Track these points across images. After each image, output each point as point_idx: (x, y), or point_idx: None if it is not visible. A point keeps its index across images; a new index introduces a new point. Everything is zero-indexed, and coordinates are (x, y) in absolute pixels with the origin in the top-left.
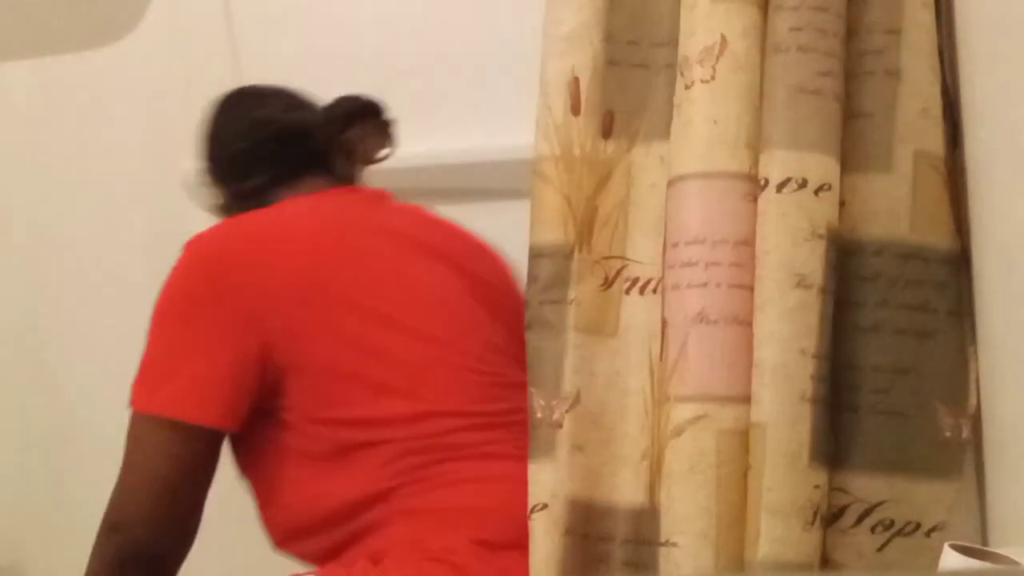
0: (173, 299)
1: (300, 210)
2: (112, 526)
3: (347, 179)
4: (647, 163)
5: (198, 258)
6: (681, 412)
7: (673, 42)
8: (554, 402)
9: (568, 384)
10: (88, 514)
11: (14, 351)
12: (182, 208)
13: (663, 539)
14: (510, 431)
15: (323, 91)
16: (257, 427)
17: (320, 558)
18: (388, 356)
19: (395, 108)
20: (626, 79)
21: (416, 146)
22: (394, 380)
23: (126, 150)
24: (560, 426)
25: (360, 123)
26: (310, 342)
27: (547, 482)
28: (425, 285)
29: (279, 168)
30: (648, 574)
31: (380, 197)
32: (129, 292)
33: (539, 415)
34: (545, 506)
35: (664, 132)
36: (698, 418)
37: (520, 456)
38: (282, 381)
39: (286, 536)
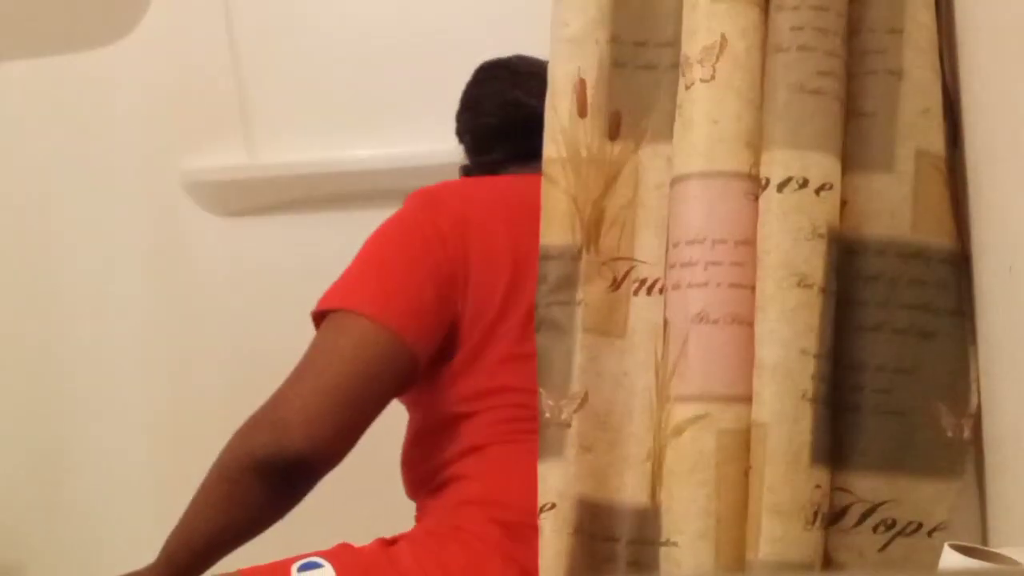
0: (392, 222)
1: (521, 185)
2: (266, 423)
3: None
4: (654, 164)
5: (428, 194)
6: (682, 412)
7: (679, 42)
8: (562, 402)
9: (576, 384)
10: (87, 514)
11: (13, 351)
12: (182, 208)
13: (664, 539)
14: None
15: (323, 90)
16: (420, 384)
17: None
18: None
19: (394, 108)
20: (632, 80)
21: (417, 146)
22: (527, 353)
23: (126, 150)
24: (568, 426)
25: None
26: (491, 304)
27: (556, 482)
28: None
29: (517, 149)
30: (649, 574)
31: None
32: (129, 292)
33: (548, 415)
34: (554, 506)
35: (670, 132)
36: (698, 418)
37: None
38: (458, 329)
39: (413, 482)
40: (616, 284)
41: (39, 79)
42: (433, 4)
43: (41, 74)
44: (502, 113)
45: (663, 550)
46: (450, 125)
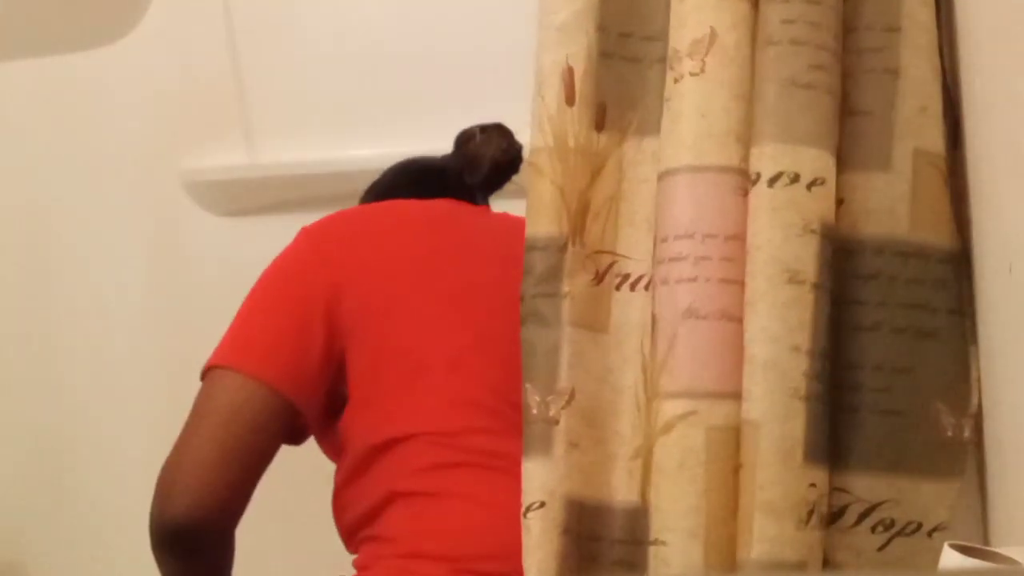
0: (269, 268)
1: (406, 203)
2: (155, 498)
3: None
4: (638, 158)
5: (302, 234)
6: (670, 408)
7: (666, 36)
8: (549, 398)
9: (563, 380)
10: (88, 514)
11: (14, 350)
12: (182, 208)
13: (652, 538)
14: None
15: (323, 90)
16: (328, 430)
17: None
18: (436, 341)
19: (394, 108)
20: (618, 72)
21: (417, 146)
22: (434, 362)
23: (126, 150)
24: (556, 422)
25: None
26: (373, 318)
27: (544, 480)
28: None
29: (419, 192)
30: (638, 574)
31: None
32: (129, 291)
33: (534, 411)
34: (543, 504)
35: (656, 127)
36: (687, 414)
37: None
38: (345, 360)
39: (343, 536)
40: (599, 278)
41: (39, 79)
42: (433, 4)
43: (41, 74)
44: (397, 175)
45: (652, 549)
46: (449, 125)
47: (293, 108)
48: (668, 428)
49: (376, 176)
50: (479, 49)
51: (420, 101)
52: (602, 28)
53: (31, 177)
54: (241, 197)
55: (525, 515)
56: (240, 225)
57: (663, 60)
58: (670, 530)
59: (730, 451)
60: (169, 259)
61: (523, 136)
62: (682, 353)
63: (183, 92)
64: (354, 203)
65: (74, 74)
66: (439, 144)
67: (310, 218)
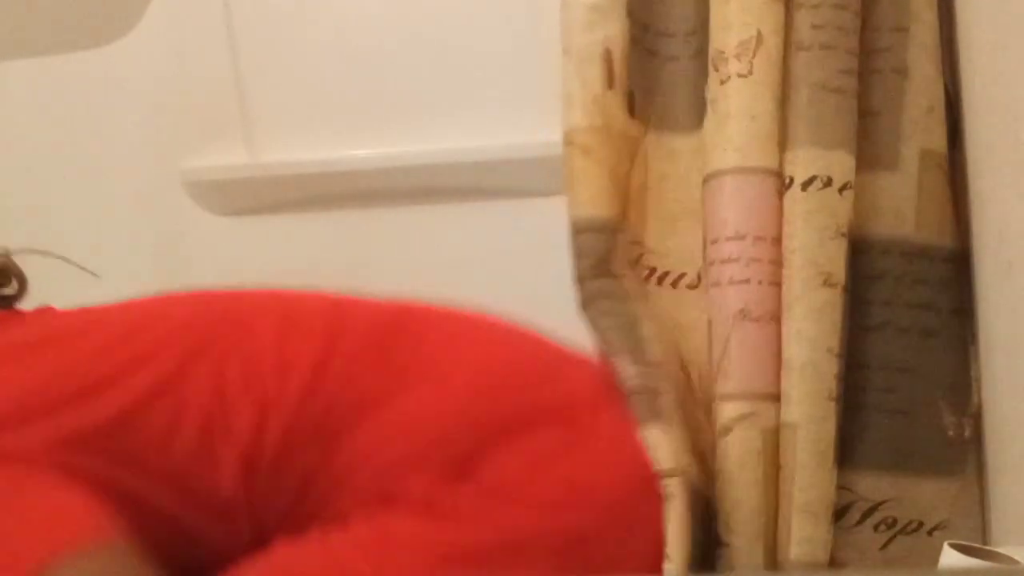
0: None
1: None
2: None
3: None
4: (659, 153)
5: None
6: (728, 411)
7: (680, 33)
8: (646, 369)
9: (652, 352)
10: None
11: None
12: (182, 208)
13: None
14: None
15: (323, 90)
16: None
17: None
18: None
19: (394, 108)
20: (642, 62)
21: (417, 146)
22: None
23: (126, 150)
24: (659, 393)
25: None
26: None
27: (669, 448)
28: None
29: None
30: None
31: None
32: (129, 291)
33: (636, 381)
34: (674, 472)
35: (672, 124)
36: (744, 416)
37: None
38: None
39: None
40: (631, 265)
41: (39, 79)
42: (433, 4)
43: (41, 74)
44: None
45: (716, 551)
46: (450, 125)
47: (293, 108)
48: (727, 430)
49: (374, 175)
50: (479, 49)
51: (420, 101)
52: (631, 14)
53: (31, 177)
54: (241, 197)
55: (663, 481)
56: (240, 225)
57: (675, 58)
58: (734, 533)
59: (777, 453)
60: (169, 259)
61: (523, 138)
62: (736, 355)
63: (183, 92)
64: (354, 203)
65: (74, 74)
66: (439, 144)
67: (310, 218)
